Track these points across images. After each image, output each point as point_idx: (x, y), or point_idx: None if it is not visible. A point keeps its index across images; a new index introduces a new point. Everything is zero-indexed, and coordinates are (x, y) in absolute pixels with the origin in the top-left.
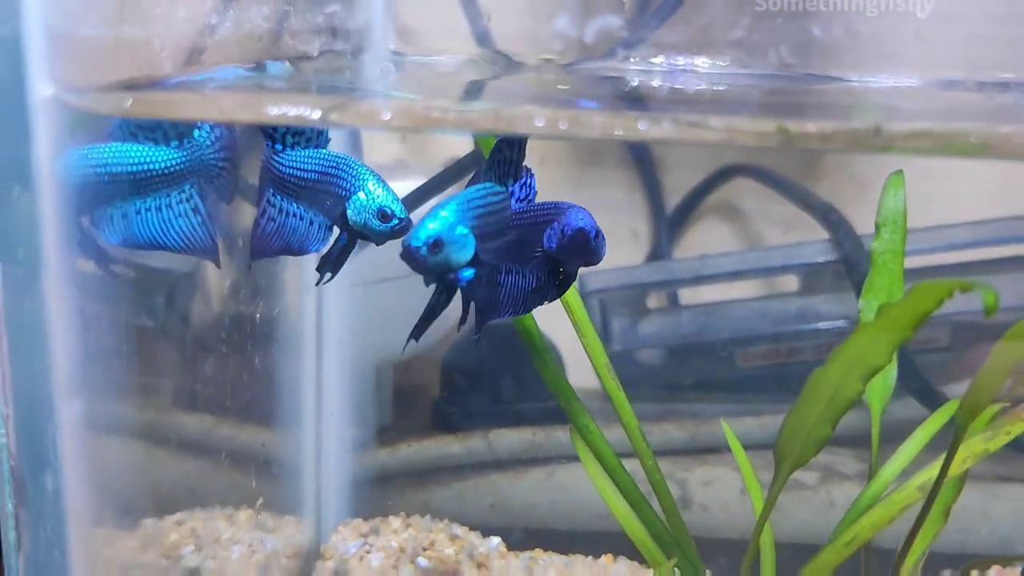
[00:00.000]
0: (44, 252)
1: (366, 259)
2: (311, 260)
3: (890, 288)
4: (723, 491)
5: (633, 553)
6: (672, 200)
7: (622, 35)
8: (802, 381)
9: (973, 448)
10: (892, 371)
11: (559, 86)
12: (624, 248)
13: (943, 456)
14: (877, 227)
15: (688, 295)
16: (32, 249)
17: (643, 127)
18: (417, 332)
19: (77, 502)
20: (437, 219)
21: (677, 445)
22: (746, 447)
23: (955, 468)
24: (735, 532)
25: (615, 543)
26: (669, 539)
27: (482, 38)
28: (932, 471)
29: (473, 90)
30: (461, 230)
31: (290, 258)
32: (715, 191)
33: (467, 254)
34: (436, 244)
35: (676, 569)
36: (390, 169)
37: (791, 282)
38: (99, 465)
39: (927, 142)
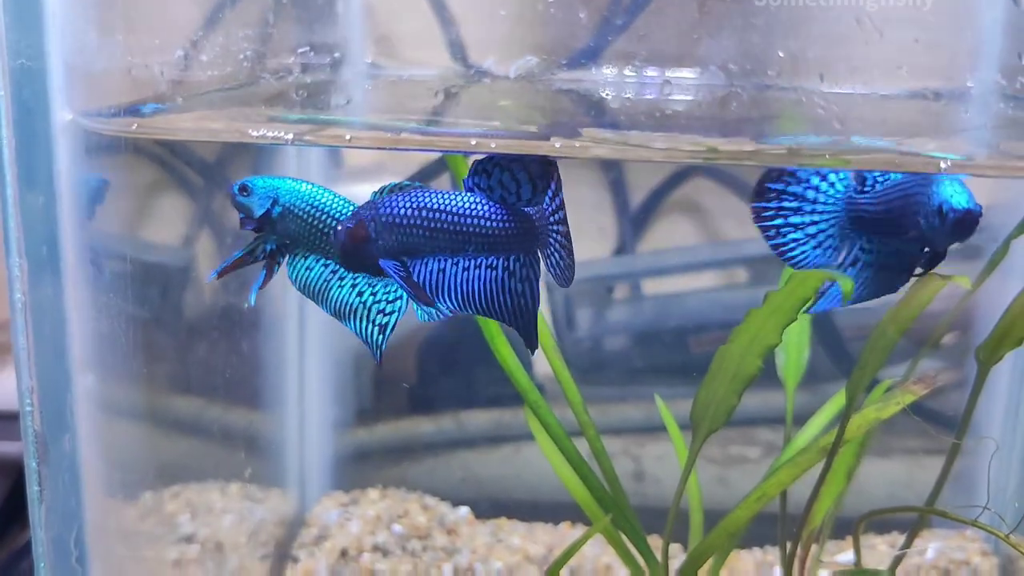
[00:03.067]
0: (63, 250)
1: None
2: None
3: None
4: (674, 465)
5: (589, 521)
6: (636, 198)
7: (591, 45)
8: None
9: (867, 416)
10: (805, 353)
11: (525, 101)
12: (591, 243)
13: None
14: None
15: (650, 286)
16: (53, 248)
17: (594, 150)
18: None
19: (90, 461)
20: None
21: (633, 424)
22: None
23: (850, 433)
24: (684, 502)
25: (573, 512)
26: (608, 500)
27: (456, 49)
28: (832, 437)
29: (440, 108)
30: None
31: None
32: (676, 189)
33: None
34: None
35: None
36: (369, 172)
37: (742, 274)
38: (107, 433)
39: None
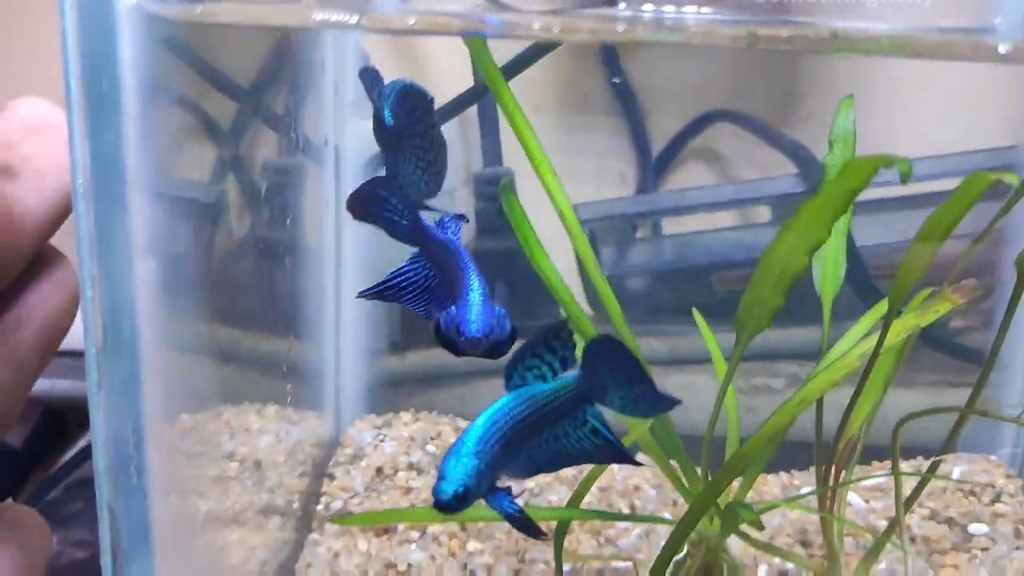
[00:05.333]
0: (125, 137)
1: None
2: (330, 185)
3: None
4: (699, 394)
5: None
6: (658, 146)
7: None
8: None
9: (905, 323)
10: (842, 266)
11: None
12: (612, 190)
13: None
14: (830, 144)
15: (671, 225)
16: (117, 136)
17: (621, 29)
18: None
19: (149, 350)
20: (458, 466)
21: (657, 357)
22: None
23: (890, 339)
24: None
25: None
26: None
27: None
28: (872, 342)
29: None
30: (481, 471)
31: (309, 183)
32: (697, 136)
33: (487, 485)
34: (462, 498)
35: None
36: None
37: (765, 213)
38: (168, 323)
39: (880, 44)
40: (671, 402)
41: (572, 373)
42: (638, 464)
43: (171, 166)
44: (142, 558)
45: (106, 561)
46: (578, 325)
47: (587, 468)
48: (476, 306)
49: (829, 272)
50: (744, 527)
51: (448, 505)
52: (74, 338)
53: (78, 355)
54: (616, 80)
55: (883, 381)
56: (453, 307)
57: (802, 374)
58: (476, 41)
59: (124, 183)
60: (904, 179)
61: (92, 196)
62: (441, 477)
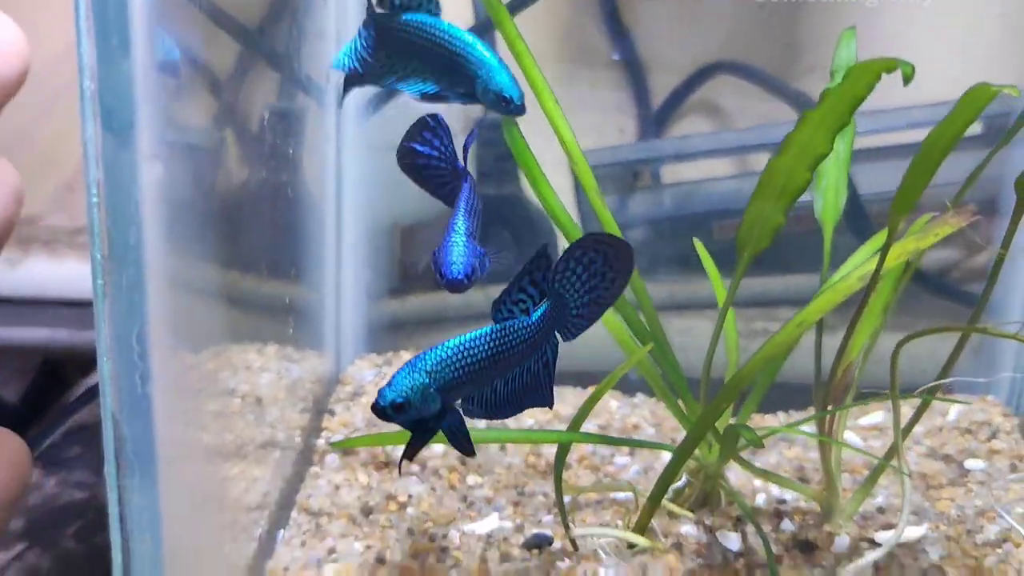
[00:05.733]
0: (133, 36)
1: (377, 124)
2: (331, 125)
3: None
4: (699, 337)
5: (617, 384)
6: (658, 100)
7: None
8: (774, 249)
9: (906, 246)
10: (843, 193)
11: None
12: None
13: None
14: (832, 73)
15: (671, 173)
16: (123, 33)
17: None
18: (409, 453)
19: (155, 256)
20: (407, 379)
21: (656, 302)
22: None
23: (890, 262)
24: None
25: (600, 379)
26: (647, 335)
27: None
28: (871, 265)
29: None
30: (428, 391)
31: (310, 124)
32: (698, 89)
33: (434, 407)
34: (399, 407)
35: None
36: None
37: (763, 161)
38: (172, 228)
39: None
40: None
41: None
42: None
43: (179, 84)
44: (146, 469)
45: (110, 471)
46: None
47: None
48: (457, 247)
49: (830, 201)
50: (743, 456)
51: (382, 412)
52: (75, 286)
53: (77, 304)
54: (616, 57)
55: (882, 306)
56: (438, 248)
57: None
58: None
59: (131, 87)
60: (907, 81)
61: (98, 99)
62: (388, 384)
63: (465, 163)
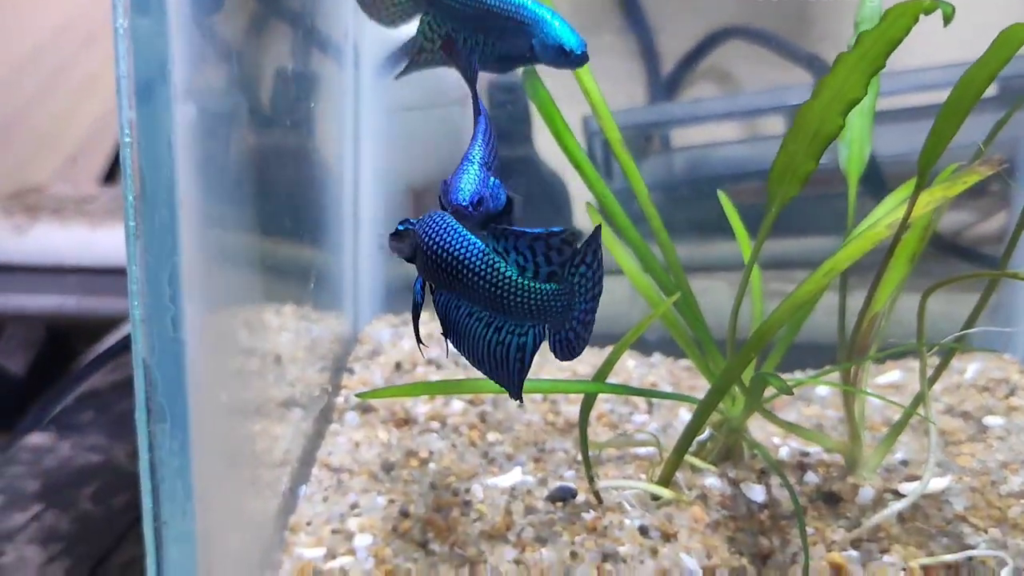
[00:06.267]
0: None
1: (394, 86)
2: (350, 86)
3: None
4: (715, 298)
5: (635, 345)
6: (668, 66)
7: None
8: (788, 213)
9: (934, 194)
10: (867, 146)
11: None
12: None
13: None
14: (856, 25)
15: (684, 137)
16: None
17: None
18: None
19: (187, 198)
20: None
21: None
22: (737, 267)
23: (918, 210)
24: (725, 332)
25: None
26: (671, 287)
27: None
28: (898, 214)
29: None
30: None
31: (330, 84)
32: (708, 56)
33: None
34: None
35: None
36: None
37: (778, 125)
38: (205, 167)
39: None
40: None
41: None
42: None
43: (208, 33)
44: (177, 414)
45: (140, 416)
46: (603, 203)
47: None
48: (467, 175)
49: (855, 152)
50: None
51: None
52: (84, 253)
53: (87, 271)
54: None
55: (909, 256)
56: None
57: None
58: None
59: (165, 23)
60: (947, 21)
61: (131, 36)
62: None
63: (475, 93)
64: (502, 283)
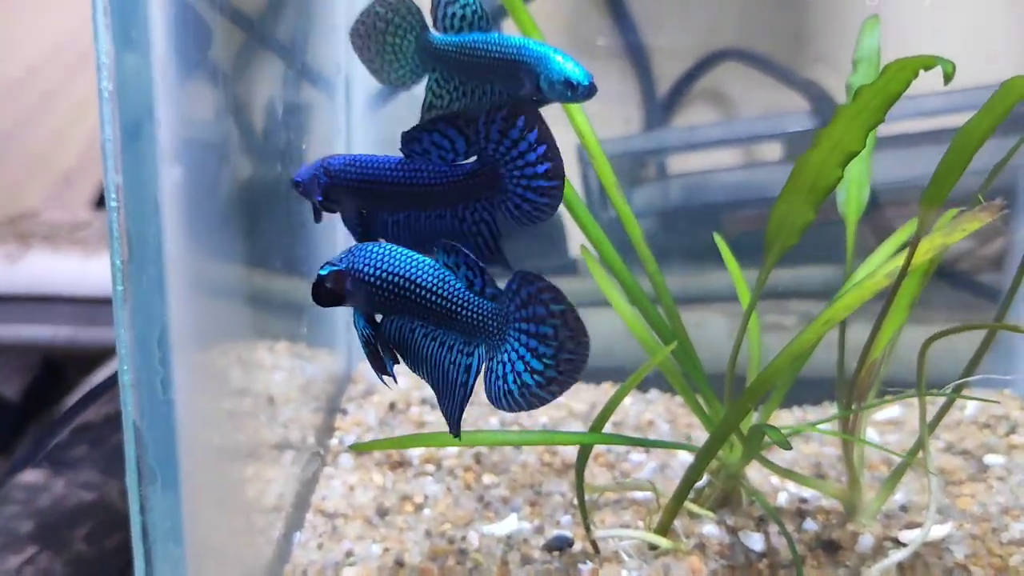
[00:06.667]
0: (152, 33)
1: (385, 118)
2: (341, 120)
3: None
4: (710, 331)
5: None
6: (663, 88)
7: None
8: None
9: (933, 241)
10: (866, 189)
11: None
12: (618, 132)
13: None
14: (854, 64)
15: (680, 164)
16: (142, 29)
17: None
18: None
19: (175, 259)
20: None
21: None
22: (734, 298)
23: (919, 258)
24: (721, 367)
25: (614, 375)
26: (669, 334)
27: None
28: (898, 261)
29: None
30: None
31: (321, 118)
32: (703, 78)
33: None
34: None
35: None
36: None
37: (774, 152)
38: (193, 229)
39: None
40: None
41: None
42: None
43: (194, 82)
44: (168, 476)
45: (131, 480)
46: (599, 248)
47: (600, 406)
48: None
49: (853, 194)
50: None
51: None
52: (77, 282)
53: (82, 301)
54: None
55: (908, 302)
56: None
57: (815, 311)
58: None
59: (151, 87)
60: (947, 79)
61: (117, 100)
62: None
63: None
64: (453, 295)
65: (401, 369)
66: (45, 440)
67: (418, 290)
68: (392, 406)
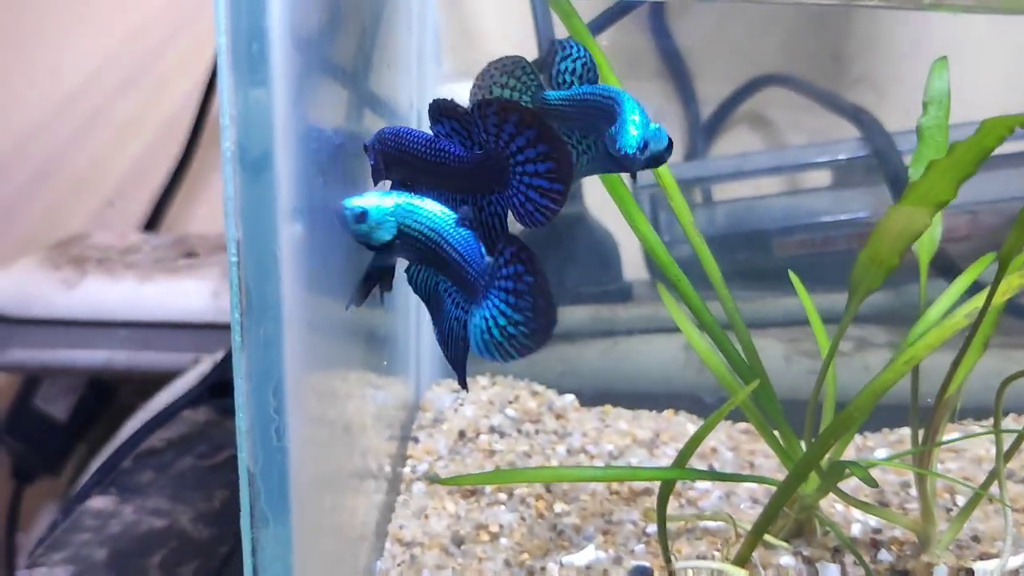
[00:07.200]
0: (275, 100)
1: None
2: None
3: (936, 157)
4: (768, 359)
5: (691, 407)
6: (706, 111)
7: None
8: (835, 267)
9: (1011, 283)
10: (938, 228)
11: None
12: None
13: (985, 291)
14: (924, 105)
15: (728, 190)
16: (265, 93)
17: None
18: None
19: (290, 303)
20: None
21: (721, 320)
22: (789, 323)
23: (997, 299)
24: (778, 393)
25: (675, 401)
26: (747, 371)
27: None
28: (976, 302)
29: None
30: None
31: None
32: (746, 102)
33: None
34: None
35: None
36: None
37: (823, 178)
38: (312, 285)
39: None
40: None
41: None
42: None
43: (312, 136)
44: (279, 519)
45: (244, 523)
46: (678, 287)
47: (664, 433)
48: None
49: (925, 235)
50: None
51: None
52: (133, 307)
53: (136, 325)
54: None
55: (983, 341)
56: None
57: (869, 337)
58: (563, 2)
59: (272, 143)
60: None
61: (238, 159)
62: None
63: None
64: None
65: (472, 398)
66: (109, 466)
67: (449, 249)
68: (462, 434)
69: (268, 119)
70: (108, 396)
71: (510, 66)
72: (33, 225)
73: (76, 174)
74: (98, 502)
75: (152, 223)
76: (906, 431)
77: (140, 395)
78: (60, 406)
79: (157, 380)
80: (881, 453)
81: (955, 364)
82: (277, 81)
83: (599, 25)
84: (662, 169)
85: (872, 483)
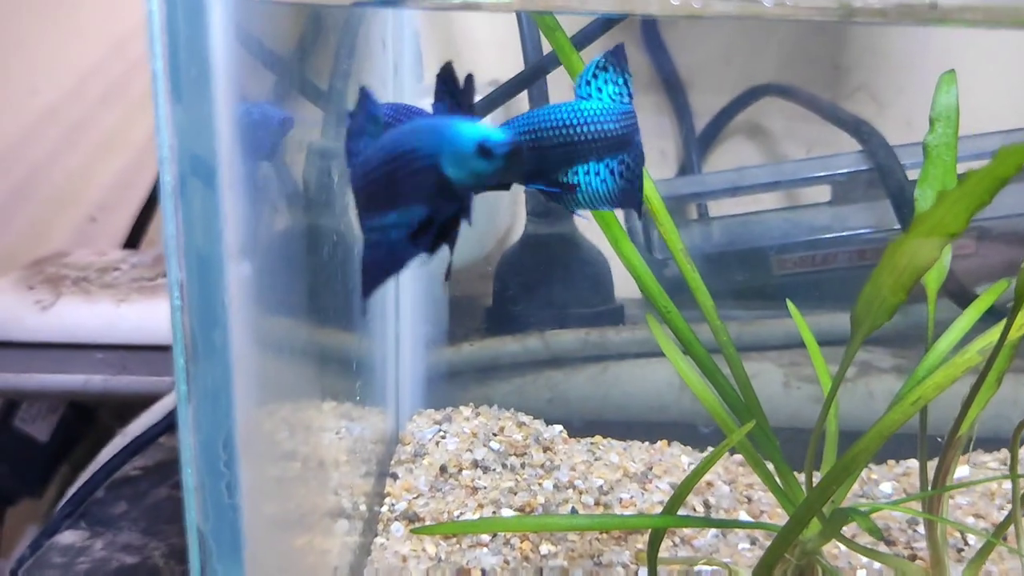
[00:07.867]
0: (217, 128)
1: None
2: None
3: (944, 177)
4: (766, 384)
5: (686, 438)
6: (701, 123)
7: None
8: (837, 285)
9: None
10: (947, 256)
11: None
12: (653, 168)
13: (999, 324)
14: (931, 122)
15: (724, 206)
16: (206, 125)
17: (698, 5)
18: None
19: (240, 348)
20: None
21: (714, 345)
22: (789, 346)
23: (1014, 333)
24: (776, 421)
25: (667, 431)
26: (742, 407)
27: None
28: (990, 337)
29: None
30: None
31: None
32: (742, 112)
33: None
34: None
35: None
36: None
37: (823, 193)
38: (261, 327)
39: (980, 15)
40: None
41: None
42: None
43: (259, 161)
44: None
45: None
46: (667, 318)
47: (657, 466)
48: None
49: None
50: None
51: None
52: (109, 330)
53: (112, 348)
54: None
55: (997, 377)
56: None
57: (874, 361)
58: (547, 17)
59: (215, 178)
60: None
61: (179, 195)
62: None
63: None
64: None
65: (455, 429)
66: (81, 496)
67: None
68: (443, 470)
69: (211, 148)
70: (90, 416)
71: None
72: (14, 241)
73: (58, 190)
74: (67, 536)
75: (134, 239)
76: (913, 463)
77: (119, 418)
78: (41, 426)
79: (135, 404)
80: (886, 487)
81: (967, 402)
82: (221, 108)
83: (582, 39)
84: (650, 191)
85: (878, 535)
